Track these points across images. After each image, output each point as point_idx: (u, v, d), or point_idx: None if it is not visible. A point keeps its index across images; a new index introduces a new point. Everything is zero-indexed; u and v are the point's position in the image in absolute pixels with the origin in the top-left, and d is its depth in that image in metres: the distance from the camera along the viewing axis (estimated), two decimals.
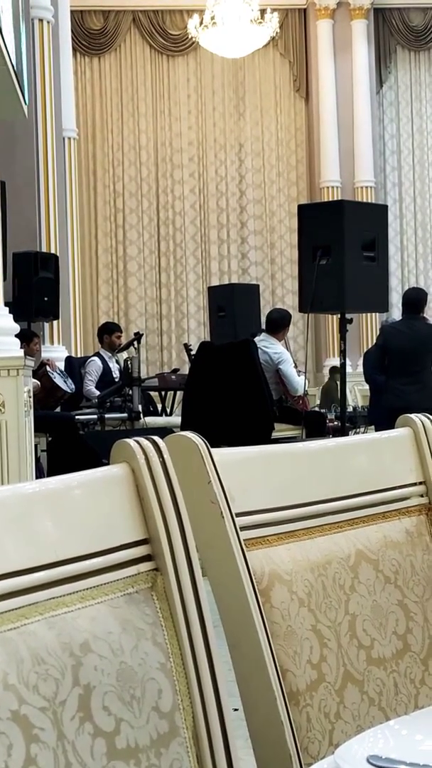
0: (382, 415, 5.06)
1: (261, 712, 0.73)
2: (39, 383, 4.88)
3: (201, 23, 8.17)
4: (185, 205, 9.72)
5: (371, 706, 0.78)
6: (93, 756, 0.58)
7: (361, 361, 7.76)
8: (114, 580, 0.64)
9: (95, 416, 5.43)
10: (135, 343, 5.79)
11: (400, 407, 4.68)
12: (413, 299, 4.96)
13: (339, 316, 4.28)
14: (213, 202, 9.78)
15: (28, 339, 5.05)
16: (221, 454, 0.75)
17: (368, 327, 9.00)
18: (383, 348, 5.07)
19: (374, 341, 6.95)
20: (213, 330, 6.88)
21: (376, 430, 4.97)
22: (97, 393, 5.78)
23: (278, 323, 5.11)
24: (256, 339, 4.93)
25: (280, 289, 9.84)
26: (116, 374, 6.02)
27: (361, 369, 6.78)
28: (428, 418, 0.92)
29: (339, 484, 0.85)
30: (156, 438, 0.70)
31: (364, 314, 8.42)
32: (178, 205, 9.71)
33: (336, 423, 5.03)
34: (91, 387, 5.91)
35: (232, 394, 4.43)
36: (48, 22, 6.38)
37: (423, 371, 4.79)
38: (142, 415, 5.45)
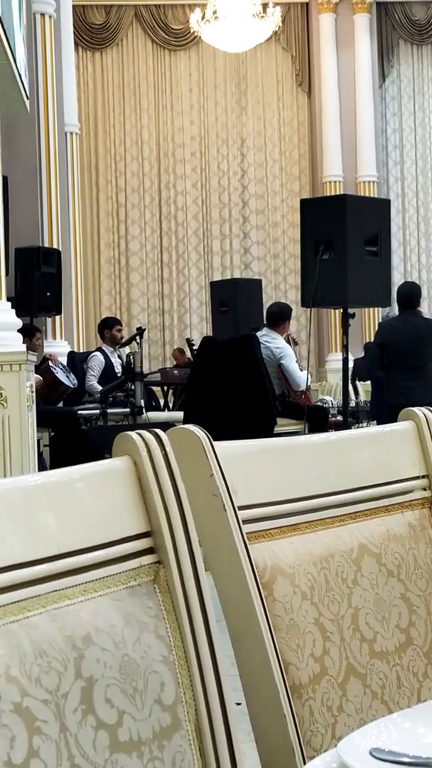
0: (384, 411, 5.10)
1: (264, 705, 0.73)
2: (41, 378, 4.90)
3: (203, 17, 8.16)
4: (187, 200, 9.71)
5: (374, 699, 0.78)
6: (95, 748, 0.58)
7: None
8: (116, 572, 0.64)
9: (98, 411, 5.45)
10: (137, 338, 5.81)
11: (402, 403, 4.71)
12: (408, 294, 4.99)
13: (341, 310, 4.28)
14: (215, 197, 9.78)
15: (30, 334, 5.06)
16: (224, 447, 0.75)
17: (371, 322, 9.00)
18: (381, 345, 5.11)
19: (373, 337, 7.01)
20: (215, 325, 6.89)
21: (378, 425, 4.99)
22: (100, 388, 5.80)
23: (278, 317, 5.12)
24: (258, 334, 4.94)
25: (282, 284, 9.84)
26: (118, 369, 6.04)
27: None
28: (431, 412, 0.92)
29: (341, 477, 0.85)
30: (158, 431, 0.69)
31: (366, 309, 8.42)
32: (180, 200, 9.71)
33: (338, 417, 5.06)
34: (93, 382, 5.94)
35: (235, 388, 4.44)
36: (50, 17, 6.38)
37: (424, 367, 4.81)
38: (144, 410, 5.46)
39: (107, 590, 0.63)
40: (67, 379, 5.49)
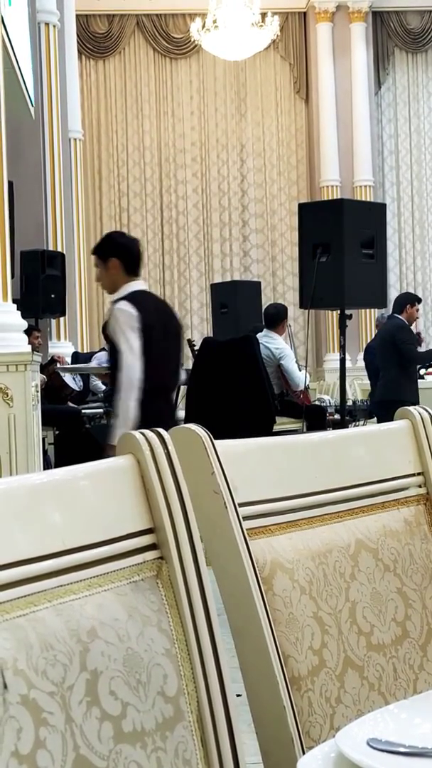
0: (373, 406, 5.31)
1: (264, 697, 0.74)
2: (45, 378, 4.95)
3: (203, 27, 8.19)
4: (188, 204, 9.74)
5: (371, 690, 0.79)
6: (100, 739, 0.59)
7: (360, 356, 7.90)
8: (120, 568, 0.65)
9: (101, 410, 5.48)
10: None
11: (384, 399, 4.89)
12: (396, 299, 5.22)
13: (339, 312, 4.31)
14: (215, 201, 9.81)
15: (27, 333, 5.08)
16: (224, 445, 0.76)
17: (367, 323, 9.04)
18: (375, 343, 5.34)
19: (373, 336, 7.21)
20: (216, 326, 6.92)
21: (378, 421, 5.11)
22: (104, 387, 5.84)
23: (275, 317, 5.19)
24: (258, 335, 4.98)
25: (281, 286, 9.87)
26: None
27: (360, 363, 6.96)
28: (426, 411, 0.94)
29: (339, 475, 0.86)
30: (161, 430, 0.70)
31: (363, 310, 8.46)
32: (182, 204, 9.74)
33: (336, 416, 5.11)
34: (97, 382, 5.98)
35: (235, 388, 4.46)
36: (54, 26, 6.43)
37: (389, 365, 4.94)
38: None
39: (111, 585, 0.64)
40: (73, 382, 5.54)
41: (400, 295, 5.60)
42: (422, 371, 6.08)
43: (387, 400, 4.56)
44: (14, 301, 3.62)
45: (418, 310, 5.24)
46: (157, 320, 2.85)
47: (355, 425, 5.53)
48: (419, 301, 5.37)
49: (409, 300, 5.20)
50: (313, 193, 9.73)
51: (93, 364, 6.15)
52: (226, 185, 9.83)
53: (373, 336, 6.10)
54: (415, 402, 4.70)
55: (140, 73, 9.69)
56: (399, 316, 5.08)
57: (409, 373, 5.02)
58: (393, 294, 7.72)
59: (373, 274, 4.30)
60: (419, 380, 5.34)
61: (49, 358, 5.55)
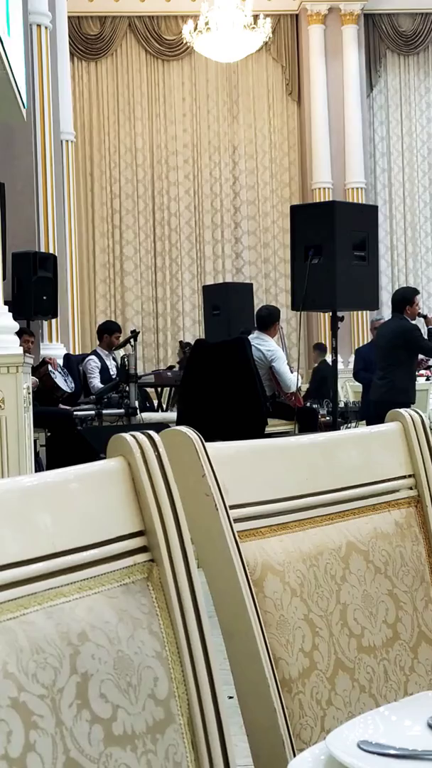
0: (367, 408, 5.25)
1: (254, 700, 0.74)
2: (37, 380, 4.94)
3: (195, 28, 8.22)
4: (180, 206, 9.76)
5: (362, 693, 0.79)
6: (90, 742, 0.59)
7: (352, 358, 7.91)
8: (111, 570, 0.65)
9: (93, 412, 5.48)
10: (131, 340, 5.85)
11: (374, 400, 4.87)
12: (394, 298, 5.14)
13: (330, 314, 4.33)
14: (207, 203, 9.83)
15: (18, 335, 5.08)
16: (215, 448, 0.76)
17: (359, 325, 9.08)
18: (374, 345, 5.30)
19: (365, 338, 7.17)
20: (207, 328, 6.93)
21: (367, 424, 5.08)
22: (101, 386, 5.85)
23: (267, 320, 5.19)
24: (250, 337, 4.98)
25: (273, 288, 9.89)
26: (113, 371, 6.08)
27: (352, 366, 6.98)
28: (417, 413, 0.94)
29: (330, 477, 0.86)
30: (152, 432, 0.70)
31: (355, 312, 8.50)
32: (174, 206, 9.75)
33: (328, 418, 5.11)
34: (96, 383, 5.99)
35: (226, 390, 4.47)
36: (46, 28, 6.43)
37: (390, 366, 4.91)
38: (138, 411, 5.49)
39: (102, 588, 0.64)
40: (65, 384, 5.53)
41: (397, 293, 5.42)
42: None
43: (390, 401, 4.49)
44: (6, 302, 3.62)
45: (417, 304, 5.14)
46: None
47: (347, 427, 5.54)
48: (417, 292, 5.28)
49: (407, 299, 5.08)
50: (305, 196, 9.77)
51: (88, 367, 6.15)
52: (218, 187, 9.85)
53: (370, 338, 6.05)
54: (414, 403, 4.71)
55: (132, 75, 9.70)
56: (404, 317, 5.02)
57: (413, 374, 5.00)
58: (384, 296, 7.75)
59: (365, 276, 4.32)
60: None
61: (40, 360, 5.54)
